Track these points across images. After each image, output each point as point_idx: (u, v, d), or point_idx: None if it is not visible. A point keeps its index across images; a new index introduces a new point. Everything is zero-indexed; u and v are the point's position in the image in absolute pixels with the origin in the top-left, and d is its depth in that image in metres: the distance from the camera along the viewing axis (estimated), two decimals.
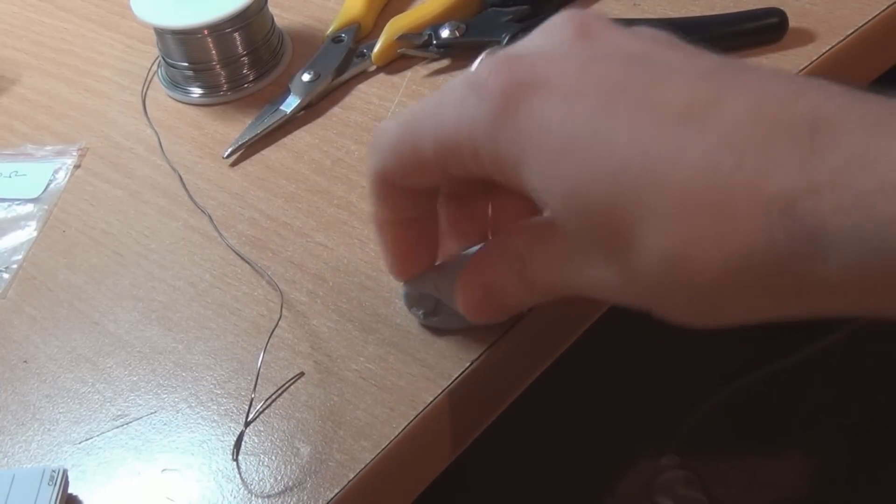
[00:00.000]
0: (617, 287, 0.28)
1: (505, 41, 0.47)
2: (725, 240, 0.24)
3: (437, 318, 0.37)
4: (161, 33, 0.50)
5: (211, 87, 0.51)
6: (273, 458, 0.34)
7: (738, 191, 0.24)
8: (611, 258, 0.28)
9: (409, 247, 0.35)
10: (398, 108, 0.48)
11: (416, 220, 0.35)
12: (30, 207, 0.47)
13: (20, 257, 0.44)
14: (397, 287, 0.39)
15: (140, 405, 0.37)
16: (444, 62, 0.49)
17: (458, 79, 0.30)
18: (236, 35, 0.50)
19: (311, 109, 0.49)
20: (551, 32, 0.30)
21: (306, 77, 0.49)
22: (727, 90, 0.25)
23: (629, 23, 0.32)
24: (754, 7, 0.46)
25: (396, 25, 0.50)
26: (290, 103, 0.48)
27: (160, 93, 0.52)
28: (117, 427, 0.37)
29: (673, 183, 0.25)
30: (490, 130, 0.28)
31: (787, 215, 0.23)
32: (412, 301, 0.37)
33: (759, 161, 0.24)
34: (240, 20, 0.49)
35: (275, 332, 0.38)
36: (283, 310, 0.39)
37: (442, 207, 0.36)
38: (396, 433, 0.34)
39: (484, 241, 0.35)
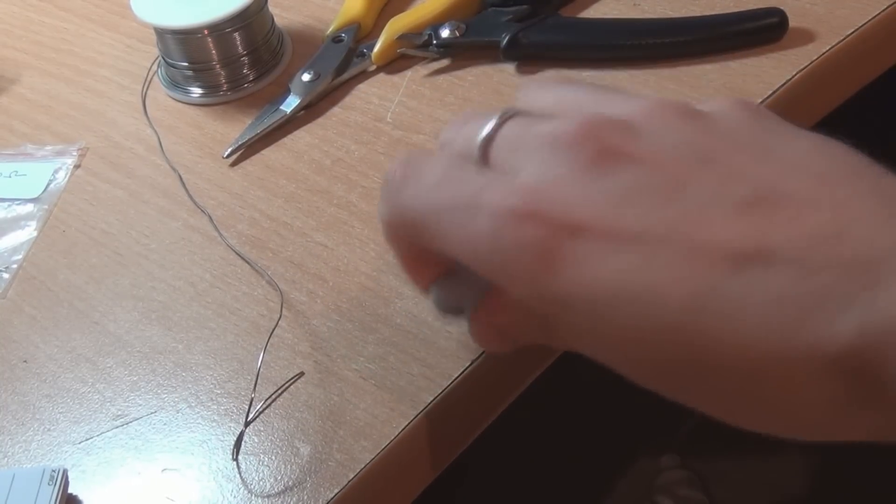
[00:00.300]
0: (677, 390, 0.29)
1: (504, 42, 0.47)
2: (797, 397, 0.25)
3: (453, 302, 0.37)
4: (161, 33, 0.50)
5: (211, 87, 0.51)
6: (273, 457, 0.34)
7: (801, 349, 0.24)
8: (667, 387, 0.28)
9: (426, 265, 0.34)
10: (398, 107, 0.48)
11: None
12: (30, 207, 0.47)
13: (20, 257, 0.44)
14: (397, 287, 0.39)
15: (140, 405, 0.37)
16: (444, 62, 0.49)
17: (489, 195, 0.28)
18: (236, 35, 0.50)
19: (311, 109, 0.49)
20: (565, 154, 0.28)
21: (306, 77, 0.49)
22: (772, 232, 0.25)
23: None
24: (754, 7, 0.46)
25: (396, 25, 0.50)
26: (290, 103, 0.48)
27: (160, 93, 0.52)
28: (117, 427, 0.37)
29: (733, 345, 0.25)
30: (532, 286, 0.27)
31: (853, 368, 0.24)
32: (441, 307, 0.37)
33: (820, 319, 0.24)
34: (240, 20, 0.49)
35: (275, 332, 0.38)
36: (283, 309, 0.39)
37: None
38: (396, 433, 0.34)
39: None
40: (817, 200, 0.25)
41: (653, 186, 0.27)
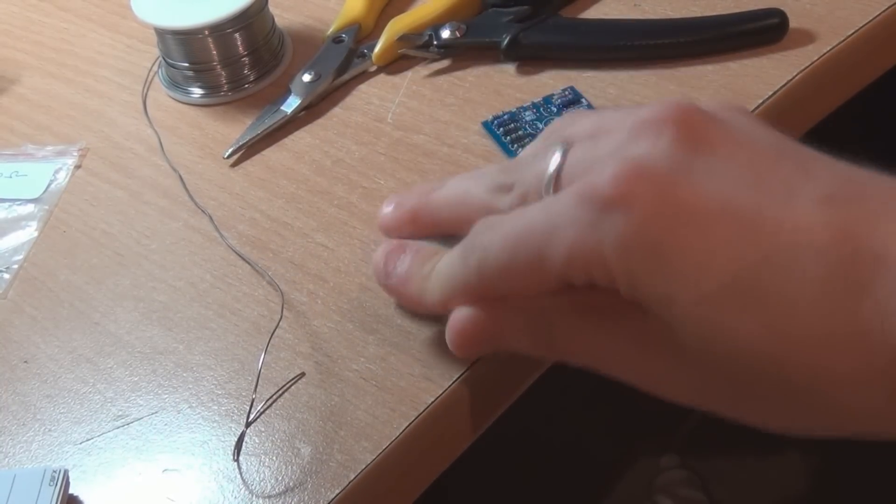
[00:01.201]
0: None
1: (505, 42, 0.47)
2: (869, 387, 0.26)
3: None
4: (161, 33, 0.50)
5: (211, 88, 0.51)
6: (274, 458, 0.34)
7: (886, 343, 0.25)
8: (740, 396, 0.28)
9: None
10: (399, 108, 0.48)
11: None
12: (30, 207, 0.47)
13: (21, 257, 0.44)
14: None
15: (141, 405, 0.37)
16: (445, 63, 0.49)
17: (569, 193, 0.29)
18: (237, 35, 0.50)
19: (312, 110, 0.49)
20: (656, 135, 0.29)
21: (307, 77, 0.49)
22: (855, 227, 0.26)
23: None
24: (754, 7, 0.46)
25: (397, 26, 0.50)
26: (291, 104, 0.48)
27: (160, 93, 0.52)
28: (118, 427, 0.37)
29: (836, 338, 0.26)
30: (628, 254, 0.27)
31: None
32: None
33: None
34: (240, 20, 0.49)
35: (275, 333, 0.38)
36: (284, 310, 0.39)
37: None
38: (397, 434, 0.34)
39: None
40: (888, 200, 0.27)
41: (742, 172, 0.27)
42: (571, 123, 0.33)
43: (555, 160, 0.31)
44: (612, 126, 0.31)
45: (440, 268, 0.34)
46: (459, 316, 0.33)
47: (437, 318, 0.37)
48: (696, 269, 0.27)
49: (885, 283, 0.25)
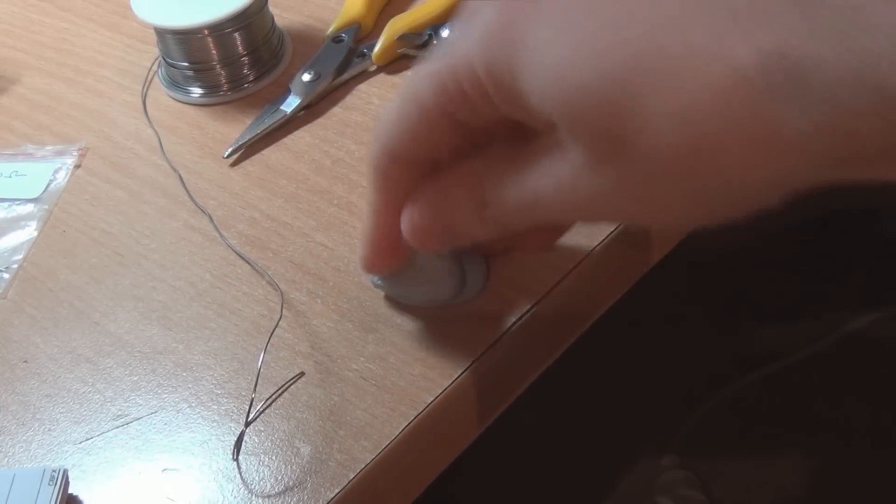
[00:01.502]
0: (605, 192, 0.28)
1: None
2: (725, 84, 0.24)
3: (398, 288, 0.37)
4: (161, 33, 0.50)
5: (211, 87, 0.51)
6: (273, 457, 0.34)
7: (734, 39, 0.24)
8: (601, 161, 0.27)
9: (396, 238, 0.34)
10: None
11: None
12: (30, 207, 0.47)
13: (20, 257, 0.44)
14: None
15: (140, 405, 0.37)
16: None
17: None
18: (236, 35, 0.50)
19: (312, 109, 0.49)
20: None
21: (307, 77, 0.49)
22: None
23: None
24: None
25: (397, 25, 0.50)
26: (291, 103, 0.48)
27: (160, 93, 0.52)
28: (118, 427, 0.37)
29: (671, 42, 0.25)
30: (485, 48, 0.28)
31: (780, 57, 0.23)
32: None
33: (754, 14, 0.24)
34: (240, 20, 0.49)
35: (275, 332, 0.38)
36: (284, 310, 0.39)
37: None
38: (397, 433, 0.34)
39: None
40: None
41: None
42: None
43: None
44: None
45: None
46: (405, 215, 0.33)
47: (437, 318, 0.37)
48: (539, 50, 0.27)
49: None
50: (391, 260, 0.36)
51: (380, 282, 0.38)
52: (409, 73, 0.32)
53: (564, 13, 0.27)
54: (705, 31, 0.24)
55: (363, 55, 0.50)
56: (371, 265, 0.36)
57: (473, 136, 0.32)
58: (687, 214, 0.28)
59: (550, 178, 0.29)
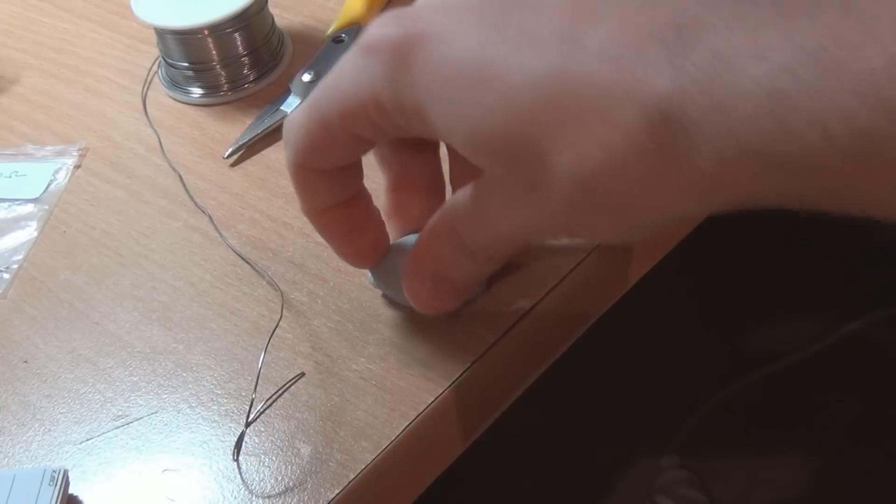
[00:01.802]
0: (544, 221, 0.29)
1: None
2: (617, 149, 0.25)
3: (396, 291, 0.37)
4: (161, 33, 0.50)
5: (211, 88, 0.51)
6: (274, 458, 0.34)
7: (620, 99, 0.25)
8: (528, 190, 0.28)
9: (349, 231, 0.36)
10: None
11: (345, 202, 0.35)
12: (30, 207, 0.47)
13: (21, 257, 0.44)
14: None
15: (141, 405, 0.37)
16: None
17: (350, 49, 0.31)
18: (237, 35, 0.50)
19: None
20: None
21: (307, 77, 0.49)
22: (600, 4, 0.26)
23: None
24: None
25: None
26: (291, 103, 0.48)
27: (160, 93, 0.52)
28: (118, 427, 0.37)
29: (563, 99, 0.26)
30: (388, 84, 0.29)
31: (665, 117, 0.24)
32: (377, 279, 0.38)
33: (636, 68, 0.25)
34: (240, 20, 0.49)
35: (275, 333, 0.38)
36: (284, 310, 0.39)
37: (388, 192, 0.37)
38: (397, 433, 0.34)
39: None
40: None
41: None
42: None
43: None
44: None
45: None
46: (409, 294, 0.35)
47: (437, 318, 0.37)
48: (432, 74, 0.28)
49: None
50: (367, 250, 0.37)
51: (378, 283, 0.38)
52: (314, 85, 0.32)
53: (461, 42, 0.28)
54: (592, 88, 0.25)
55: None
56: (354, 260, 0.37)
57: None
58: (616, 236, 0.30)
59: (509, 210, 0.30)
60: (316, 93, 0.32)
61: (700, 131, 0.24)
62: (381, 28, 0.29)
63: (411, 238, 0.36)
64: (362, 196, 0.36)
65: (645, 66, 0.24)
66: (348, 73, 0.30)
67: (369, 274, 0.38)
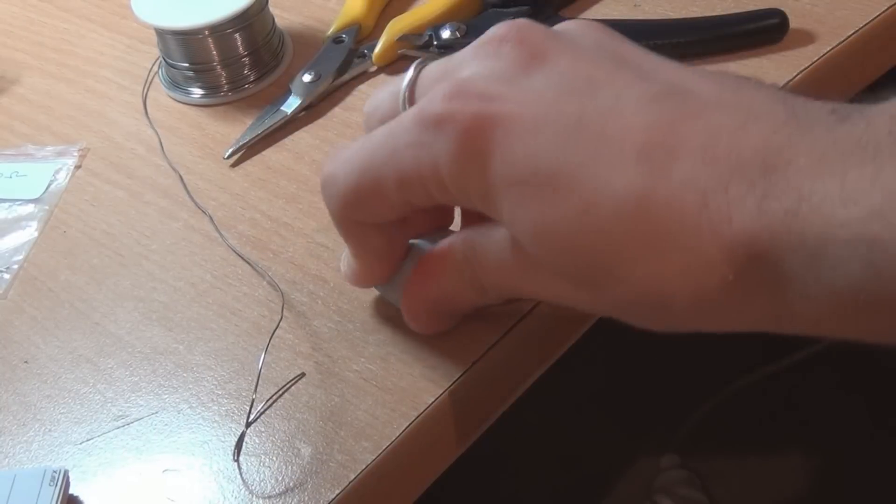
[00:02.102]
0: (586, 303, 0.29)
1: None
2: (696, 276, 0.25)
3: (394, 295, 0.37)
4: (162, 34, 0.50)
5: (212, 88, 0.51)
6: (274, 458, 0.34)
7: (703, 232, 0.25)
8: (581, 286, 0.28)
9: (383, 268, 0.36)
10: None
11: (387, 243, 0.35)
12: (31, 208, 0.47)
13: (21, 258, 0.44)
14: None
15: (141, 406, 0.37)
16: None
17: (407, 115, 0.30)
18: (237, 36, 0.50)
19: (312, 110, 0.49)
20: (494, 54, 0.30)
21: (307, 78, 0.49)
22: (679, 123, 0.26)
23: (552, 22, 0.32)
24: (754, 8, 0.46)
25: (397, 26, 0.50)
26: (291, 104, 0.48)
27: (161, 93, 0.52)
28: (118, 427, 0.37)
29: (645, 225, 0.26)
30: (456, 167, 0.29)
31: (749, 254, 0.24)
32: None
33: (721, 203, 0.25)
34: (241, 21, 0.49)
35: (276, 333, 0.38)
36: (284, 310, 0.39)
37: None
38: (397, 434, 0.34)
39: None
40: (721, 100, 0.26)
41: (573, 82, 0.28)
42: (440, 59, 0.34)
43: (408, 76, 0.32)
44: (466, 49, 0.32)
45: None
46: (404, 299, 0.35)
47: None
48: (505, 166, 0.28)
49: (695, 167, 0.25)
50: (378, 279, 0.37)
51: (378, 287, 0.38)
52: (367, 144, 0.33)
53: (536, 142, 0.27)
54: (675, 218, 0.25)
55: (363, 56, 0.50)
56: (358, 285, 0.38)
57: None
58: (666, 329, 0.29)
59: (549, 284, 0.30)
60: (366, 150, 0.31)
61: (784, 269, 0.24)
62: (449, 102, 0.29)
63: (413, 243, 0.36)
64: (400, 236, 0.36)
65: (730, 202, 0.25)
66: (410, 143, 0.30)
67: None
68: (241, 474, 0.34)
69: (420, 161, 0.30)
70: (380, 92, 0.35)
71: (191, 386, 0.37)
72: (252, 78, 0.51)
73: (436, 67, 0.32)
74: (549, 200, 0.27)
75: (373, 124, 0.34)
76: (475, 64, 0.30)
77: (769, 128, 0.25)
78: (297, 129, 0.48)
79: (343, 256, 0.37)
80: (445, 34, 0.49)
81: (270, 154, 0.47)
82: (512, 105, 0.28)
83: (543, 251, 0.28)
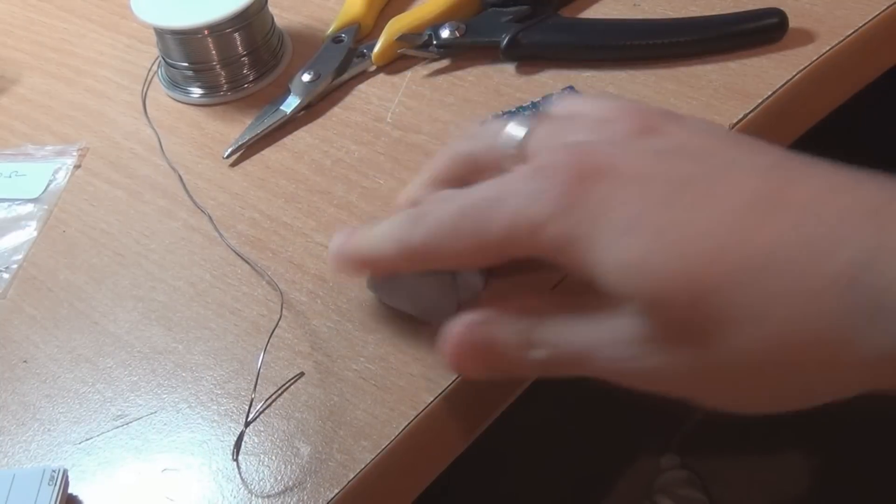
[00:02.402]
0: (672, 368, 0.28)
1: (504, 42, 0.47)
2: (808, 318, 0.25)
3: (392, 299, 0.37)
4: (161, 33, 0.50)
5: (211, 88, 0.51)
6: (273, 458, 0.34)
7: (825, 263, 0.25)
8: (669, 339, 0.28)
9: (395, 267, 0.36)
10: (398, 108, 0.48)
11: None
12: (30, 207, 0.47)
13: (20, 257, 0.44)
14: None
15: (140, 405, 0.37)
16: (444, 62, 0.49)
17: (519, 170, 0.30)
18: (236, 35, 0.50)
19: (311, 109, 0.49)
20: (610, 124, 0.31)
21: (306, 77, 0.49)
22: (789, 182, 0.27)
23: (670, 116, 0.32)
24: (754, 7, 0.46)
25: (396, 25, 0.50)
26: (290, 103, 0.48)
27: (160, 93, 0.52)
28: (117, 427, 0.37)
29: (750, 268, 0.26)
30: (557, 210, 0.28)
31: (853, 285, 0.24)
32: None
33: (829, 241, 0.25)
34: (240, 20, 0.49)
35: (275, 333, 0.38)
36: (284, 310, 0.39)
37: None
38: (396, 433, 0.34)
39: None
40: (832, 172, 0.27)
41: (686, 152, 0.29)
42: (555, 103, 0.35)
43: (524, 129, 0.32)
44: (585, 112, 0.33)
45: (384, 225, 0.34)
46: (451, 335, 0.33)
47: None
48: (619, 231, 0.27)
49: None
50: (369, 270, 0.37)
51: (376, 288, 0.38)
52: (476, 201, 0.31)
53: (643, 190, 0.28)
54: (794, 237, 0.26)
55: (363, 55, 0.50)
56: (346, 267, 0.36)
57: None
58: (755, 403, 0.29)
59: (608, 336, 0.29)
60: (474, 199, 0.31)
61: (888, 304, 0.24)
62: (558, 154, 0.29)
63: None
64: None
65: (840, 239, 0.25)
66: (517, 192, 0.30)
67: (366, 279, 0.38)
68: (240, 473, 0.34)
69: (528, 207, 0.29)
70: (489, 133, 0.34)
71: (190, 385, 0.37)
72: (251, 77, 0.51)
73: (554, 128, 0.32)
74: (651, 242, 0.27)
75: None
76: (594, 133, 0.31)
77: (875, 186, 0.26)
78: (296, 128, 0.48)
79: (339, 234, 0.36)
80: (445, 33, 0.49)
81: (270, 154, 0.47)
82: (620, 159, 0.29)
83: (638, 295, 0.28)
